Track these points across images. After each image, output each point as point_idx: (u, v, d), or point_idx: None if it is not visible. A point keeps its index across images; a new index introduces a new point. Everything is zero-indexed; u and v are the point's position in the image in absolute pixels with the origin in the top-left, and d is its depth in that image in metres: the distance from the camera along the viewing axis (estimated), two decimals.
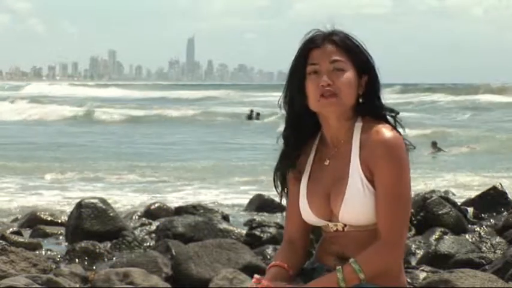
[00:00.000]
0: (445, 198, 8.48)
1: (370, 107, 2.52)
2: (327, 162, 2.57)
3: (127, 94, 67.63)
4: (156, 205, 9.69)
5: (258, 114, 33.53)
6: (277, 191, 2.68)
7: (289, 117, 2.60)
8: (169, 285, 6.01)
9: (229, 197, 11.91)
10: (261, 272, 6.37)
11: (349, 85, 2.48)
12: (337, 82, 2.47)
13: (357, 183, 2.46)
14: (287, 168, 2.63)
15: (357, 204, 2.47)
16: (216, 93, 63.67)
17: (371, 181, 2.46)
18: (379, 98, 2.55)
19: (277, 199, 2.76)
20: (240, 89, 76.74)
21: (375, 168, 2.44)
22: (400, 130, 2.54)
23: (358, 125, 2.52)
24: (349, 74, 2.49)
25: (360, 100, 2.52)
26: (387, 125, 2.50)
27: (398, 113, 2.57)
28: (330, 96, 2.47)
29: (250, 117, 33.61)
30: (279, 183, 2.66)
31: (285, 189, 2.66)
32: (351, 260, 2.43)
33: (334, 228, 2.55)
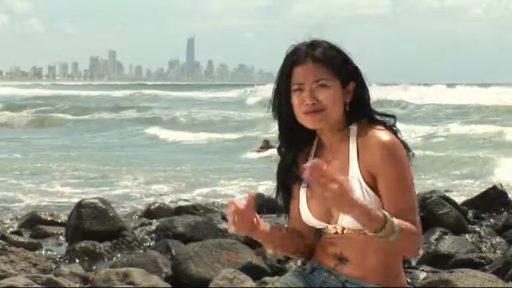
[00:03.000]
0: (445, 198, 8.47)
1: (360, 112, 2.53)
2: (325, 167, 2.57)
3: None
4: (156, 205, 9.69)
5: None
6: (277, 198, 2.70)
7: (280, 127, 2.62)
8: (169, 285, 6.01)
9: (229, 197, 11.91)
10: (262, 271, 6.39)
11: (334, 101, 2.49)
12: (322, 99, 2.49)
13: (356, 188, 2.46)
14: (284, 176, 2.65)
15: None
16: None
17: (370, 185, 2.46)
18: (368, 103, 2.55)
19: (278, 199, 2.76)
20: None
21: (378, 172, 2.44)
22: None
23: (354, 129, 2.52)
24: (333, 90, 2.49)
25: (347, 108, 2.53)
26: (382, 127, 2.50)
27: (395, 117, 2.56)
28: (315, 113, 2.48)
29: None
30: (279, 190, 2.69)
31: (286, 195, 2.67)
32: (396, 223, 2.33)
33: (334, 231, 2.56)
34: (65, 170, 15.17)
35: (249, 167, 16.38)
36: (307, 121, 2.52)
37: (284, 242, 2.64)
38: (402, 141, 2.51)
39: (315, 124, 2.52)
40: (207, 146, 23.24)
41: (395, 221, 2.33)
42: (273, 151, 18.38)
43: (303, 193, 2.61)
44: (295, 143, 2.62)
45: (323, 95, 2.48)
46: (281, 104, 2.56)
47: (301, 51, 2.53)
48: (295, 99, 2.51)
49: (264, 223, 2.59)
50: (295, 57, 2.53)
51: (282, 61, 2.58)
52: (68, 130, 30.38)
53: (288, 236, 2.66)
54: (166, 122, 33.17)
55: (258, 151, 18.55)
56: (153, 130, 28.06)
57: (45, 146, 22.09)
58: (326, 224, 2.57)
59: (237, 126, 30.04)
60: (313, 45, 2.53)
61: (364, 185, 2.46)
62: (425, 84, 55.97)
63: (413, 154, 2.54)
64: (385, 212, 2.33)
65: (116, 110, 39.59)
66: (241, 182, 13.74)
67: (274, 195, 2.73)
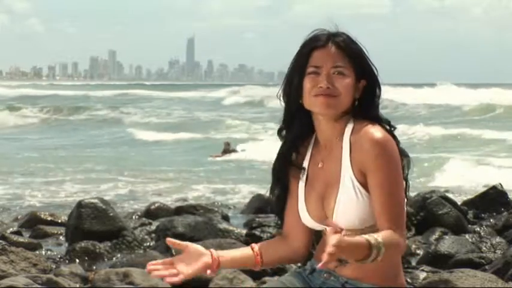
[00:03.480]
0: (445, 198, 8.47)
1: (364, 110, 2.51)
2: (320, 165, 2.56)
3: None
4: (156, 205, 9.69)
5: None
6: (272, 194, 2.68)
7: (286, 111, 2.58)
8: (169, 286, 6.00)
9: (229, 197, 11.91)
10: (261, 271, 6.37)
11: (348, 90, 2.47)
12: (338, 86, 2.46)
13: (348, 187, 2.45)
14: (283, 164, 2.61)
15: (349, 208, 2.45)
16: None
17: (362, 183, 2.44)
18: (376, 104, 2.53)
19: None
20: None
21: (369, 170, 2.42)
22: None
23: (349, 126, 2.50)
24: (349, 80, 2.47)
25: (356, 103, 2.51)
26: (376, 125, 2.47)
27: (392, 125, 2.53)
28: (328, 97, 2.45)
29: None
30: (275, 186, 2.66)
31: (281, 187, 2.66)
32: (380, 241, 2.24)
33: None
34: (63, 170, 15.17)
35: (247, 166, 16.37)
36: (317, 103, 2.46)
37: (261, 259, 2.64)
38: (397, 144, 2.49)
39: (324, 108, 2.46)
40: (196, 145, 23.20)
41: (379, 239, 2.22)
42: (235, 155, 18.09)
43: (301, 192, 2.59)
44: (296, 131, 2.58)
45: (339, 83, 2.46)
46: (292, 85, 2.52)
47: (323, 36, 2.50)
48: (307, 83, 2.47)
49: (223, 252, 2.59)
50: (316, 40, 2.50)
51: (299, 48, 2.52)
52: (60, 130, 30.53)
53: (268, 247, 2.66)
54: (153, 122, 33.45)
55: (219, 156, 18.06)
56: (137, 130, 28.22)
57: (43, 146, 22.11)
58: (324, 227, 2.56)
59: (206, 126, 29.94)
60: (335, 33, 2.52)
61: (357, 184, 2.44)
62: (421, 85, 56.08)
63: (409, 159, 2.51)
64: (367, 237, 2.22)
65: (102, 110, 39.97)
66: (243, 181, 13.73)
67: (268, 193, 2.71)
